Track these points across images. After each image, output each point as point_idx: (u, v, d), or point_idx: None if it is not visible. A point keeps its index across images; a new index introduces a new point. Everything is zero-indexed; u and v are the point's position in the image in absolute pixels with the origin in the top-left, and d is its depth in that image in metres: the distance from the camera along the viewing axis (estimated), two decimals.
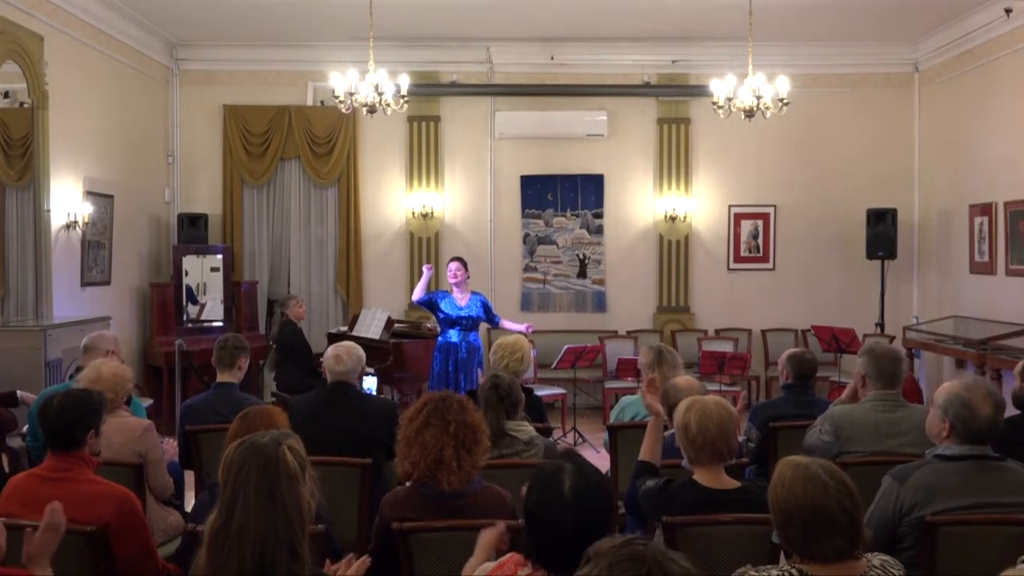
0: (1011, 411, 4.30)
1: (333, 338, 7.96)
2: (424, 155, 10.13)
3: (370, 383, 7.75)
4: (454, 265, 7.47)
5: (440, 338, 7.43)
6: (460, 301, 7.37)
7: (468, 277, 7.57)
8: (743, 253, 10.30)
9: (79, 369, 4.87)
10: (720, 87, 7.63)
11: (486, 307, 7.45)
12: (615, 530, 2.89)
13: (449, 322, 7.36)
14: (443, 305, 7.37)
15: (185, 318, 9.30)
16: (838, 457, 3.74)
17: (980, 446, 3.09)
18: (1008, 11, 8.03)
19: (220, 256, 9.57)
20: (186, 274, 9.34)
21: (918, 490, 3.06)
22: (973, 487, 3.03)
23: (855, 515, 2.22)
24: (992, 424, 3.08)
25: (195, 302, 9.47)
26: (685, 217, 10.15)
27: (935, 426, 3.21)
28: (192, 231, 9.55)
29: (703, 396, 3.22)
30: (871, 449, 3.80)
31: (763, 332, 10.09)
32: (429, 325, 8.66)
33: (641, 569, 1.63)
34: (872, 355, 4.01)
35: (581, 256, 10.27)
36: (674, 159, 10.15)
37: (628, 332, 10.07)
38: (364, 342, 7.95)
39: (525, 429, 4.02)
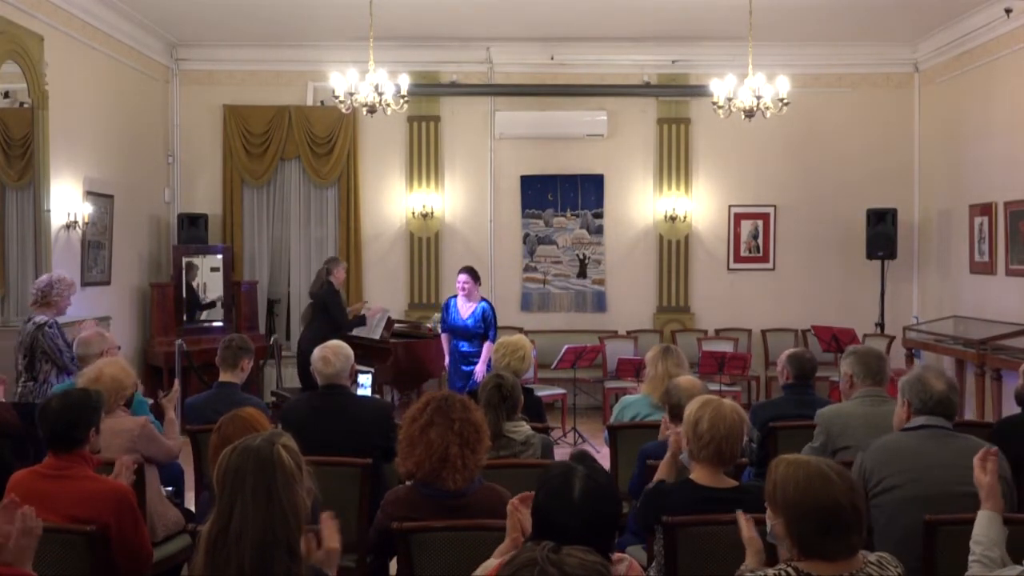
0: (1013, 409, 4.32)
1: None
2: (424, 155, 10.13)
3: (364, 380, 7.70)
4: (463, 277, 7.33)
5: (453, 340, 7.39)
6: (463, 312, 7.30)
7: (479, 285, 7.46)
8: (743, 253, 10.30)
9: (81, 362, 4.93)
10: (720, 87, 7.63)
11: (485, 320, 7.25)
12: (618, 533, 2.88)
13: (451, 330, 7.36)
14: (450, 314, 7.35)
15: (185, 319, 9.30)
16: (834, 456, 3.75)
17: (935, 417, 3.30)
18: (1008, 11, 8.02)
19: (220, 256, 9.57)
20: (188, 274, 9.33)
21: (878, 454, 3.27)
22: (927, 454, 3.22)
23: (862, 510, 2.23)
24: (946, 398, 3.32)
25: (200, 307, 9.46)
26: (685, 217, 10.15)
27: (899, 416, 3.44)
28: (192, 231, 9.55)
29: (720, 398, 3.22)
30: (863, 441, 3.81)
31: (763, 332, 10.09)
32: (429, 325, 8.66)
33: (534, 570, 1.69)
34: (857, 354, 4.18)
35: (581, 256, 10.27)
36: (674, 159, 10.15)
37: (628, 332, 10.06)
38: (364, 342, 7.99)
39: (522, 430, 4.00)
